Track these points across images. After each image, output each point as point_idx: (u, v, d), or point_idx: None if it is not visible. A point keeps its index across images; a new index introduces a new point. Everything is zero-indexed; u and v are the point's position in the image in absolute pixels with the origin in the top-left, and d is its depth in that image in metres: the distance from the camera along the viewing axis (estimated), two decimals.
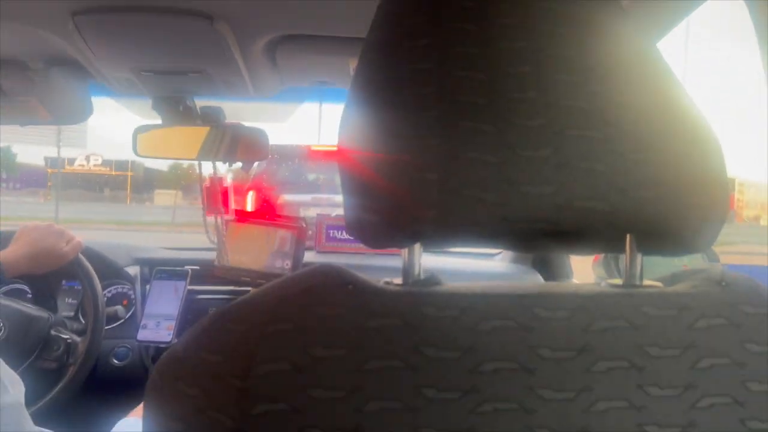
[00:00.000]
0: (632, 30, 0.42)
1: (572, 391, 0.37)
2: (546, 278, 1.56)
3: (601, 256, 1.36)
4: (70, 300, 1.43)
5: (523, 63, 0.40)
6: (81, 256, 1.31)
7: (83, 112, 1.30)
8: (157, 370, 0.41)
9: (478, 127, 0.39)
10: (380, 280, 0.41)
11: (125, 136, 1.38)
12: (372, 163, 0.41)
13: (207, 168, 1.56)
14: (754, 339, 0.40)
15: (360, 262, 1.51)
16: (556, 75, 0.40)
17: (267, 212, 1.58)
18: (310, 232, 1.54)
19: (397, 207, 0.40)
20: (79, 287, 1.39)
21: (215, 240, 1.52)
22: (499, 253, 1.74)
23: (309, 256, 1.57)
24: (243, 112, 1.56)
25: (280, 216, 1.54)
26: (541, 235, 0.41)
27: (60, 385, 1.26)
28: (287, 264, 1.45)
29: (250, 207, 4.63)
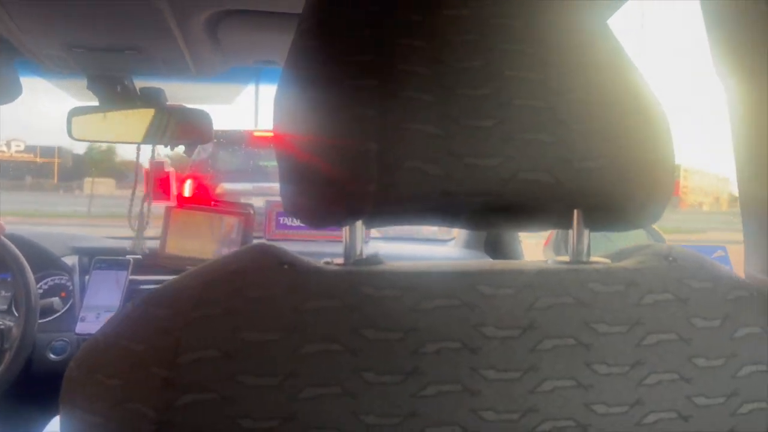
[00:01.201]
0: (582, 4, 0.41)
1: (518, 371, 0.36)
2: None
3: (552, 239, 1.38)
4: (3, 293, 1.35)
5: (467, 31, 0.39)
6: (4, 240, 1.24)
7: (10, 93, 1.22)
8: (75, 361, 0.38)
9: (418, 97, 0.37)
10: (320, 261, 0.39)
11: (56, 120, 1.30)
12: (308, 138, 0.38)
13: (142, 152, 1.48)
14: (700, 314, 0.39)
15: (313, 249, 1.48)
16: (502, 44, 0.39)
17: (205, 202, 1.52)
18: (258, 220, 1.50)
19: (335, 182, 0.38)
20: (12, 279, 1.31)
21: (136, 228, 1.44)
22: (452, 239, 1.75)
23: None
24: (185, 93, 1.49)
25: (226, 203, 1.49)
26: (486, 211, 0.40)
27: None
28: None
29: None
